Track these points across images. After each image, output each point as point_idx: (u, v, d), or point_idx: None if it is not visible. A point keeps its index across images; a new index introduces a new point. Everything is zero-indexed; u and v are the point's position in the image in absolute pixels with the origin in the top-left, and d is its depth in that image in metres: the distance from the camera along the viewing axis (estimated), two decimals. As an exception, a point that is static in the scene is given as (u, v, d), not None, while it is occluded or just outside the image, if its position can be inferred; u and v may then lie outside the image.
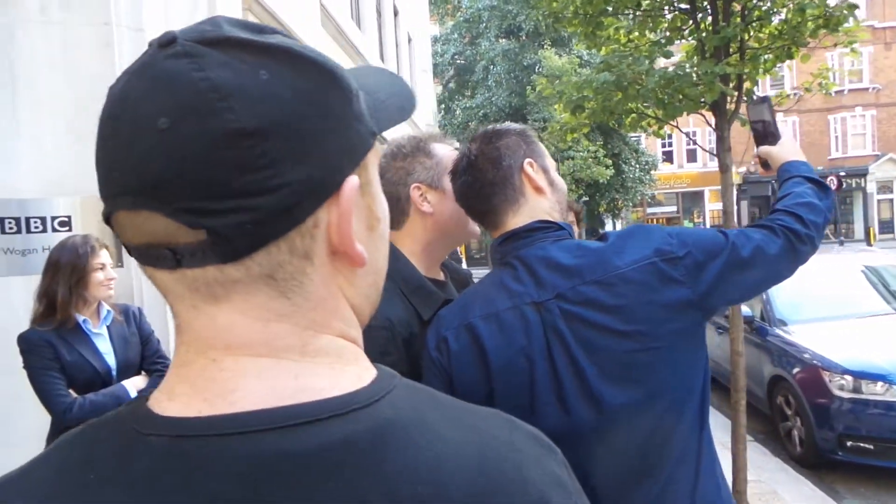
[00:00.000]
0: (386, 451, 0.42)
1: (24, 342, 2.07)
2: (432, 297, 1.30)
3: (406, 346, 1.22)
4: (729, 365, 3.62)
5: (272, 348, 0.45)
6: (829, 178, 22.76)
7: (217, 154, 0.40)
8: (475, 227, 1.42)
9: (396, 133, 1.15)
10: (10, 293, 2.33)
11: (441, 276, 1.46)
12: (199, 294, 0.44)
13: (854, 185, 28.22)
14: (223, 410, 0.42)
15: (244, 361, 0.44)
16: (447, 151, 1.39)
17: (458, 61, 23.20)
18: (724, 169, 3.48)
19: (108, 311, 2.23)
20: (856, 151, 28.55)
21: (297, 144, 0.42)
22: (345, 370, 0.46)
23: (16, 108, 2.37)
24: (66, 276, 2.14)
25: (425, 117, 15.86)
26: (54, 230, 2.39)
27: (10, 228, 2.33)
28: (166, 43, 0.42)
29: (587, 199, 21.64)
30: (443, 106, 23.74)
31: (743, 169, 31.04)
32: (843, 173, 24.18)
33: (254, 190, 0.41)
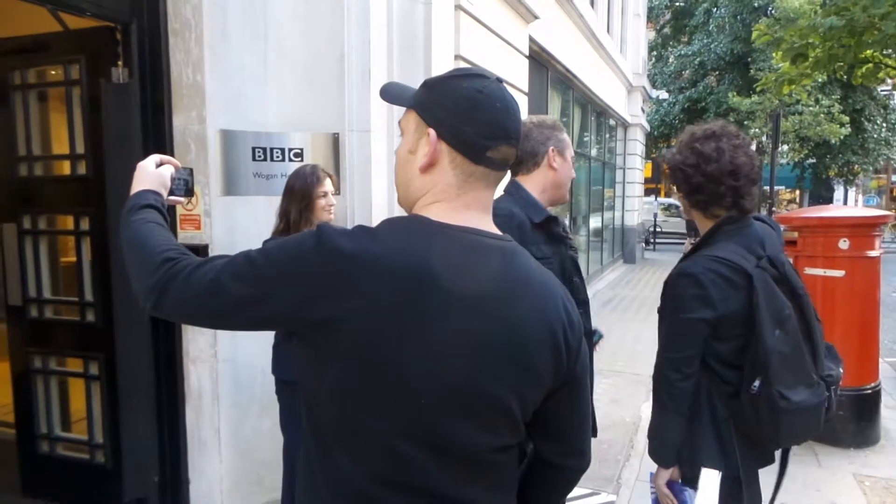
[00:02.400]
0: (514, 254, 1.02)
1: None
2: (541, 210, 1.95)
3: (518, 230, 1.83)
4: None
5: (485, 211, 1.03)
6: None
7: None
8: (567, 194, 2.08)
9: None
10: (255, 209, 2.87)
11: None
12: (494, 183, 1.04)
13: None
14: (466, 224, 0.99)
15: (480, 213, 1.02)
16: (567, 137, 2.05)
17: (677, 3, 21.44)
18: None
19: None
20: None
21: None
22: (495, 227, 1.05)
23: (266, 58, 2.84)
24: (297, 200, 2.58)
25: (634, 66, 15.04)
26: (290, 160, 2.87)
27: (259, 156, 2.85)
28: (500, 80, 1.02)
29: (814, 160, 19.12)
30: (654, 53, 22.26)
31: None
32: None
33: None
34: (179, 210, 2.86)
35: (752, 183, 1.76)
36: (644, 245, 17.85)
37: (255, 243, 2.62)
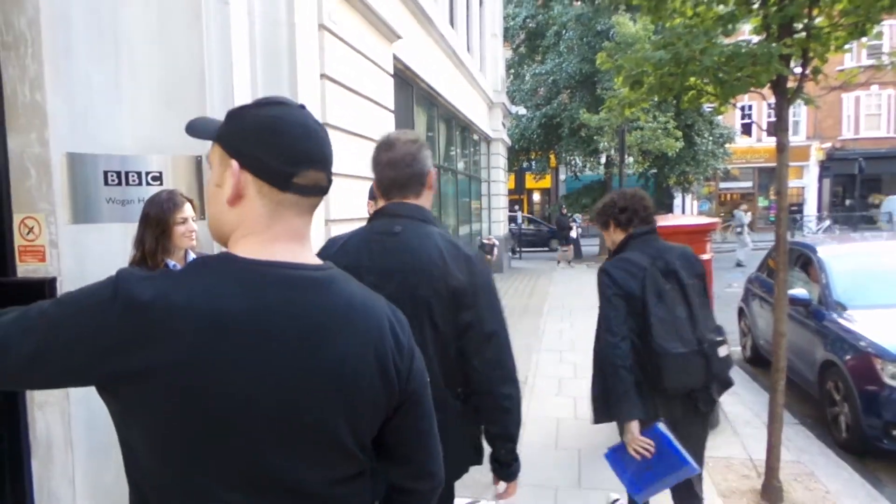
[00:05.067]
0: (331, 284, 1.00)
1: None
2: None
3: None
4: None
5: (300, 240, 1.01)
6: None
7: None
8: None
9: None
10: (110, 237, 2.66)
11: None
12: (307, 210, 1.01)
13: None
14: (278, 258, 0.96)
15: (293, 244, 1.00)
16: None
17: (530, 25, 22.71)
18: (781, 148, 3.46)
19: (194, 258, 2.54)
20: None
21: None
22: (313, 255, 1.03)
23: (118, 76, 2.66)
24: (152, 227, 2.44)
25: (493, 83, 15.75)
26: (148, 184, 2.70)
27: (113, 181, 2.65)
28: (302, 107, 1.02)
29: (655, 171, 21.06)
30: (512, 71, 23.41)
31: (828, 144, 29.28)
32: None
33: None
34: (18, 241, 2.59)
35: (648, 210, 2.71)
36: (511, 254, 18.67)
37: (108, 272, 2.45)
